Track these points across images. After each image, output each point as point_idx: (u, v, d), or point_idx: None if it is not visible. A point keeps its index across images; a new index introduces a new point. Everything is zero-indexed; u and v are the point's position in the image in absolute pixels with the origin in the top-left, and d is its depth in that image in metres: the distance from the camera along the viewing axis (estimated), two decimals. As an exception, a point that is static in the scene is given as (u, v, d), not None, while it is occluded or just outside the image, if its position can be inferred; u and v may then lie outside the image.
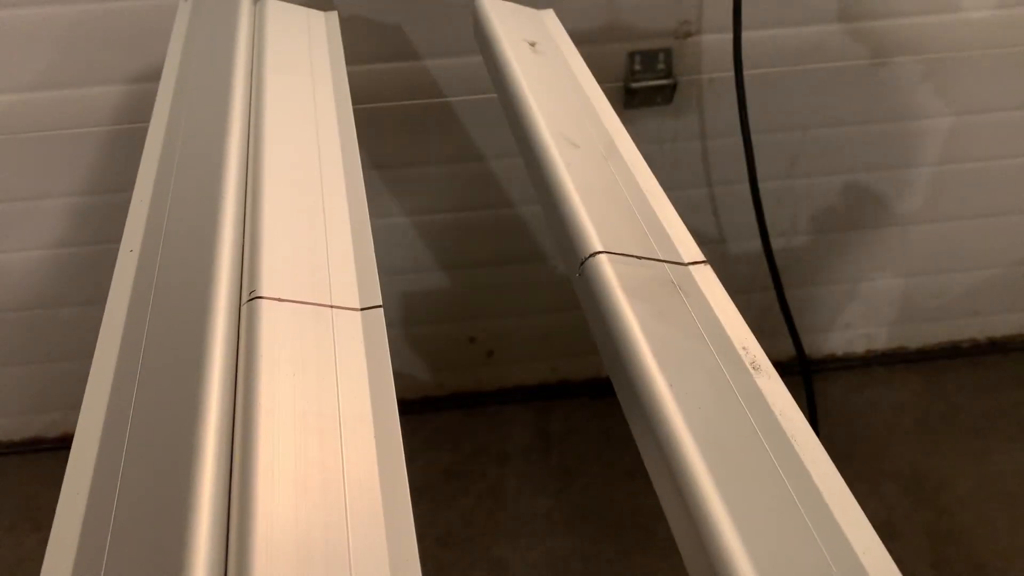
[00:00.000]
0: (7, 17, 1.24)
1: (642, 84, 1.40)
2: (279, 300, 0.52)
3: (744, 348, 0.51)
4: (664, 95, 1.41)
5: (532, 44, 0.82)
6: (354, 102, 0.77)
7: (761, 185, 1.29)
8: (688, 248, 0.59)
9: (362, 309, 0.53)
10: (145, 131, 0.72)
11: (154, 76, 0.84)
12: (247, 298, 0.52)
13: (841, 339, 1.79)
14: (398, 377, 0.48)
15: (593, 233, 0.56)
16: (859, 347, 1.80)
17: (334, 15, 0.94)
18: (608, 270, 0.53)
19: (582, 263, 0.55)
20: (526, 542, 1.49)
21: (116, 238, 0.60)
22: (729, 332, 0.53)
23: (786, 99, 1.40)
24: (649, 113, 1.42)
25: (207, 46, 0.85)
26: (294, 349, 0.49)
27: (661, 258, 0.57)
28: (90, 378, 0.49)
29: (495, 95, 0.83)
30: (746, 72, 1.21)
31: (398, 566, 0.39)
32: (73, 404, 1.63)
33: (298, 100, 0.75)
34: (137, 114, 1.32)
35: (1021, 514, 1.45)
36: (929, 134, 1.48)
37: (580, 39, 0.89)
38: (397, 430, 0.45)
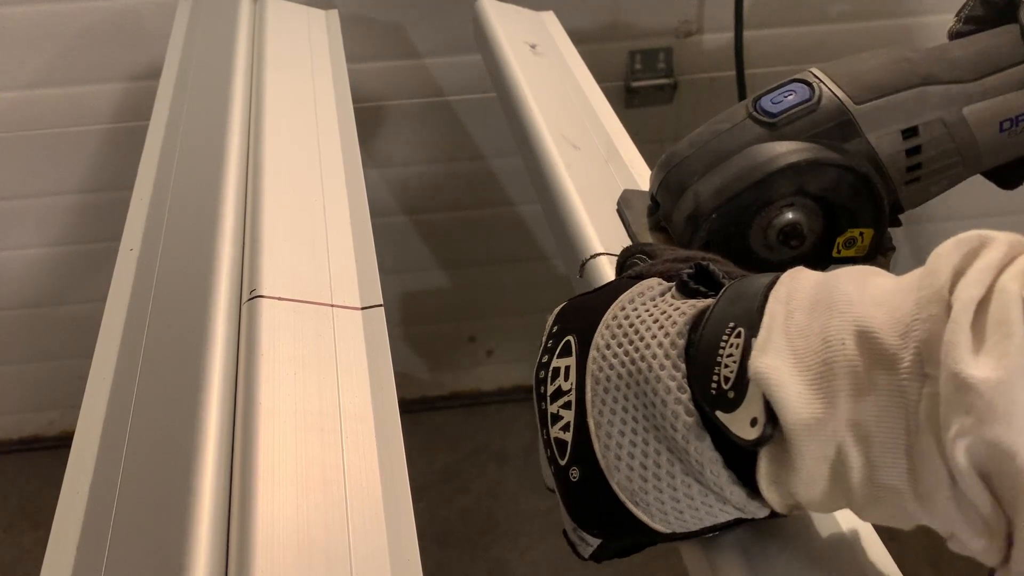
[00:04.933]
0: (7, 15, 1.24)
1: (643, 83, 1.40)
2: (280, 299, 0.52)
3: (745, 348, 0.51)
4: (665, 95, 1.41)
5: (532, 46, 0.82)
6: (354, 100, 0.77)
7: (761, 185, 1.28)
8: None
9: (363, 308, 0.53)
10: (145, 129, 0.72)
11: (154, 74, 0.83)
12: (248, 297, 0.52)
13: (840, 339, 1.78)
14: (397, 376, 0.48)
15: (593, 234, 0.56)
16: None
17: (334, 13, 0.94)
18: (609, 271, 0.53)
19: (583, 264, 0.55)
20: (526, 541, 1.49)
21: (116, 236, 0.60)
22: (730, 332, 0.52)
23: (786, 99, 1.40)
24: (650, 112, 1.42)
25: (207, 44, 0.85)
26: (295, 348, 0.48)
27: (662, 258, 0.56)
28: (90, 377, 0.49)
29: (495, 94, 0.83)
30: (747, 72, 1.21)
31: (399, 566, 0.39)
32: (72, 403, 1.63)
33: (298, 98, 0.75)
34: (137, 112, 1.32)
35: (1020, 514, 1.45)
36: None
37: (580, 38, 0.89)
38: (398, 429, 0.45)
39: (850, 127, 0.50)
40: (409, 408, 1.71)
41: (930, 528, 0.33)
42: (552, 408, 0.39)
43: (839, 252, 0.53)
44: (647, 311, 0.37)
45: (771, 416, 0.31)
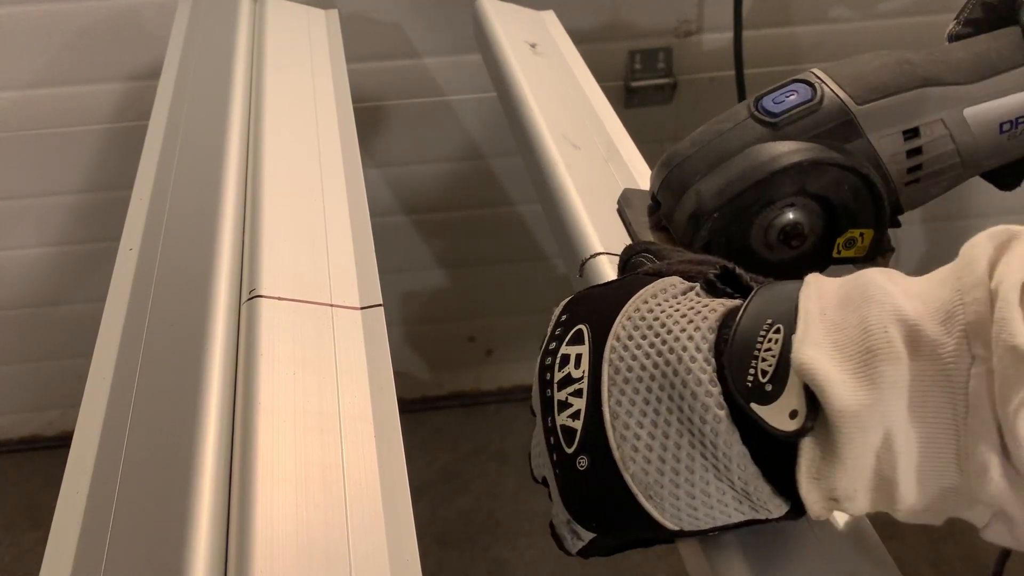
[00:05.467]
0: (7, 14, 1.24)
1: (642, 83, 1.40)
2: (279, 299, 0.52)
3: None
4: (664, 94, 1.41)
5: (532, 45, 0.82)
6: (354, 100, 0.77)
7: (761, 185, 1.28)
8: (688, 248, 0.58)
9: (362, 308, 0.53)
10: (145, 129, 0.72)
11: (154, 74, 0.83)
12: (247, 296, 0.52)
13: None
14: (397, 376, 0.48)
15: (593, 234, 0.56)
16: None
17: (334, 13, 0.94)
18: (609, 271, 0.53)
19: (583, 264, 0.55)
20: (525, 541, 1.49)
21: (116, 236, 0.60)
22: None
23: (786, 99, 1.40)
24: (649, 112, 1.42)
25: (207, 44, 0.85)
26: (294, 348, 0.48)
27: (661, 258, 0.56)
28: (89, 377, 0.49)
29: (495, 93, 0.83)
30: (747, 71, 1.21)
31: (398, 566, 0.39)
32: (71, 403, 1.63)
33: (298, 98, 0.75)
34: (137, 112, 1.32)
35: (1020, 514, 1.45)
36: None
37: (580, 38, 0.89)
38: (397, 429, 0.45)
39: (852, 127, 0.50)
40: (409, 408, 1.71)
41: (930, 528, 0.34)
42: (560, 395, 0.39)
43: (839, 252, 0.53)
44: (673, 307, 0.38)
45: (811, 409, 0.32)
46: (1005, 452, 0.30)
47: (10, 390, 1.62)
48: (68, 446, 0.45)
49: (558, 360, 0.40)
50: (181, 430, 0.43)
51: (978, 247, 0.32)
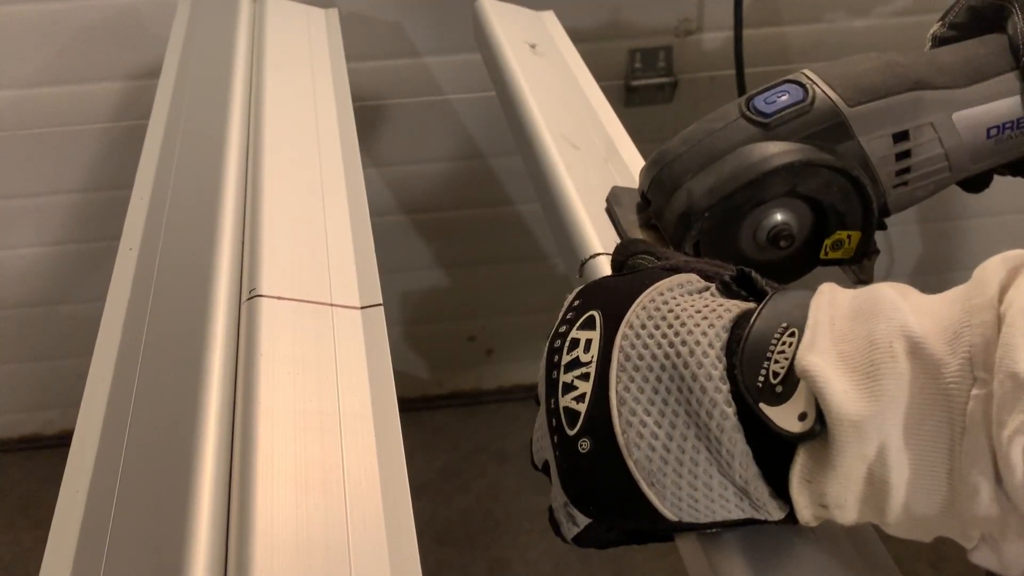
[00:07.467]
0: (7, 13, 1.24)
1: (643, 82, 1.40)
2: (279, 298, 0.52)
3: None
4: (665, 93, 1.41)
5: (532, 46, 0.82)
6: (354, 99, 0.77)
7: (761, 184, 1.28)
8: (688, 248, 0.58)
9: (362, 307, 0.53)
10: (145, 128, 0.72)
11: (154, 73, 0.84)
12: (247, 296, 0.52)
13: (840, 338, 1.78)
14: (397, 375, 0.49)
15: (593, 234, 0.56)
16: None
17: (334, 12, 0.94)
18: (608, 272, 0.53)
19: (582, 264, 0.55)
20: (526, 540, 1.49)
21: (116, 235, 0.60)
22: (729, 332, 0.52)
23: (786, 98, 1.40)
24: (649, 111, 1.42)
25: (207, 43, 0.85)
26: (294, 347, 0.49)
27: (661, 258, 0.56)
28: (89, 376, 0.49)
29: (495, 93, 0.83)
30: (747, 70, 1.21)
31: (398, 565, 0.39)
32: (72, 402, 1.63)
33: (298, 97, 0.75)
34: (137, 111, 1.32)
35: (1020, 514, 1.45)
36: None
37: (580, 37, 0.89)
38: (397, 428, 0.45)
39: (843, 129, 0.50)
40: (409, 407, 1.71)
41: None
42: (565, 378, 0.39)
43: (826, 254, 0.53)
44: (688, 303, 0.38)
45: (820, 414, 0.32)
46: (997, 477, 0.30)
47: (10, 390, 1.62)
48: (68, 446, 0.45)
49: (567, 344, 0.40)
50: (181, 430, 0.44)
51: (990, 269, 0.32)
